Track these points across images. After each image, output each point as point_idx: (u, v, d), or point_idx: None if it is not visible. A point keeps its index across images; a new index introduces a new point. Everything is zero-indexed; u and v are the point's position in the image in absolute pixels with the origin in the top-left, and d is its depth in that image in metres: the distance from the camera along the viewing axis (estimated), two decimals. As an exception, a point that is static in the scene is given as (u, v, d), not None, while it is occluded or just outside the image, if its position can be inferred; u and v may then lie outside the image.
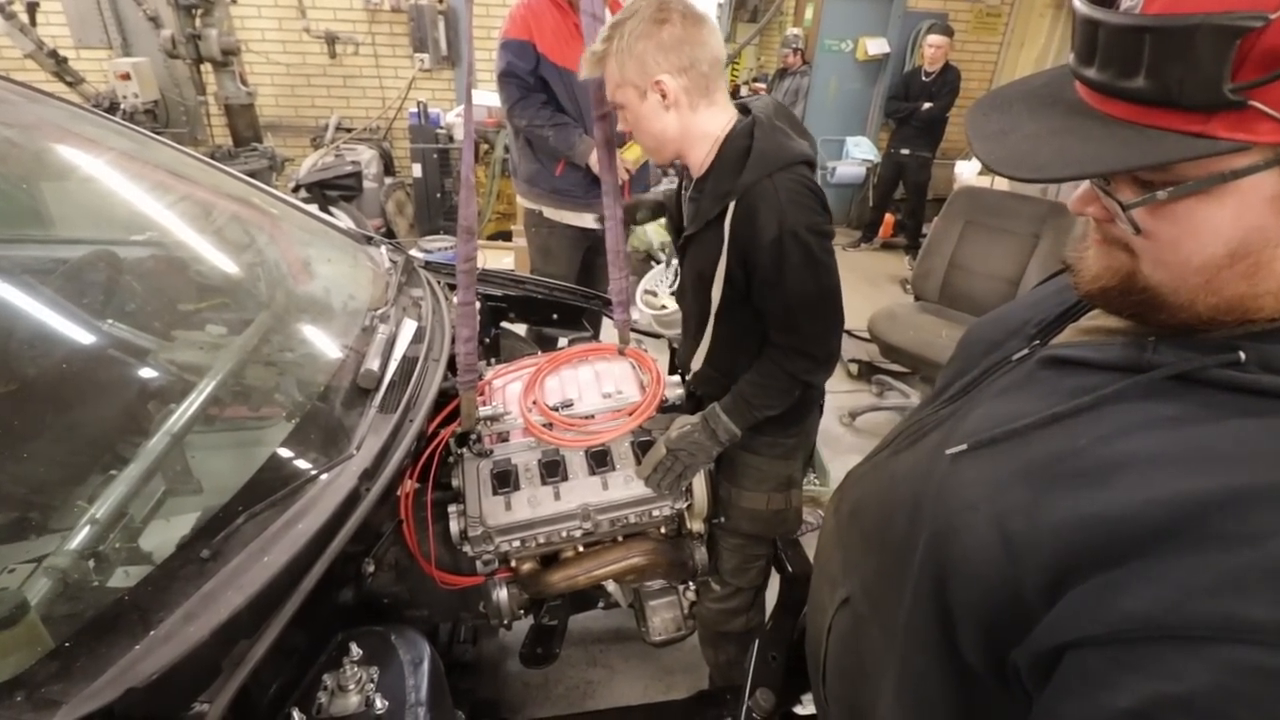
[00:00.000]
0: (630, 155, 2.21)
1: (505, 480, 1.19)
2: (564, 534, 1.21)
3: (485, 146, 4.53)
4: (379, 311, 1.35)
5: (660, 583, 1.39)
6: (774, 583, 1.51)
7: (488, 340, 1.89)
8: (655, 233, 3.33)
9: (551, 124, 2.17)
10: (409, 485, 1.20)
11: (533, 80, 2.17)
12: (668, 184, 2.28)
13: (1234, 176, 0.39)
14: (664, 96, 1.10)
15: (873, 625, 0.66)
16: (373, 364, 1.15)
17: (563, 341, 2.69)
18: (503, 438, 1.32)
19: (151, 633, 0.69)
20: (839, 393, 3.30)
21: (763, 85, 7.42)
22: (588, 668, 1.84)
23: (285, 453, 0.98)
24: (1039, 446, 0.49)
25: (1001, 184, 2.88)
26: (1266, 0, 0.34)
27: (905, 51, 5.72)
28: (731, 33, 7.18)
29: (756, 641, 1.03)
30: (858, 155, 5.86)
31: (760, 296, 1.14)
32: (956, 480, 0.54)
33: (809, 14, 5.78)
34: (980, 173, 4.63)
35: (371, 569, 1.10)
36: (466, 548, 1.16)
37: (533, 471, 1.23)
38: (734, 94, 8.28)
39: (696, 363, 1.31)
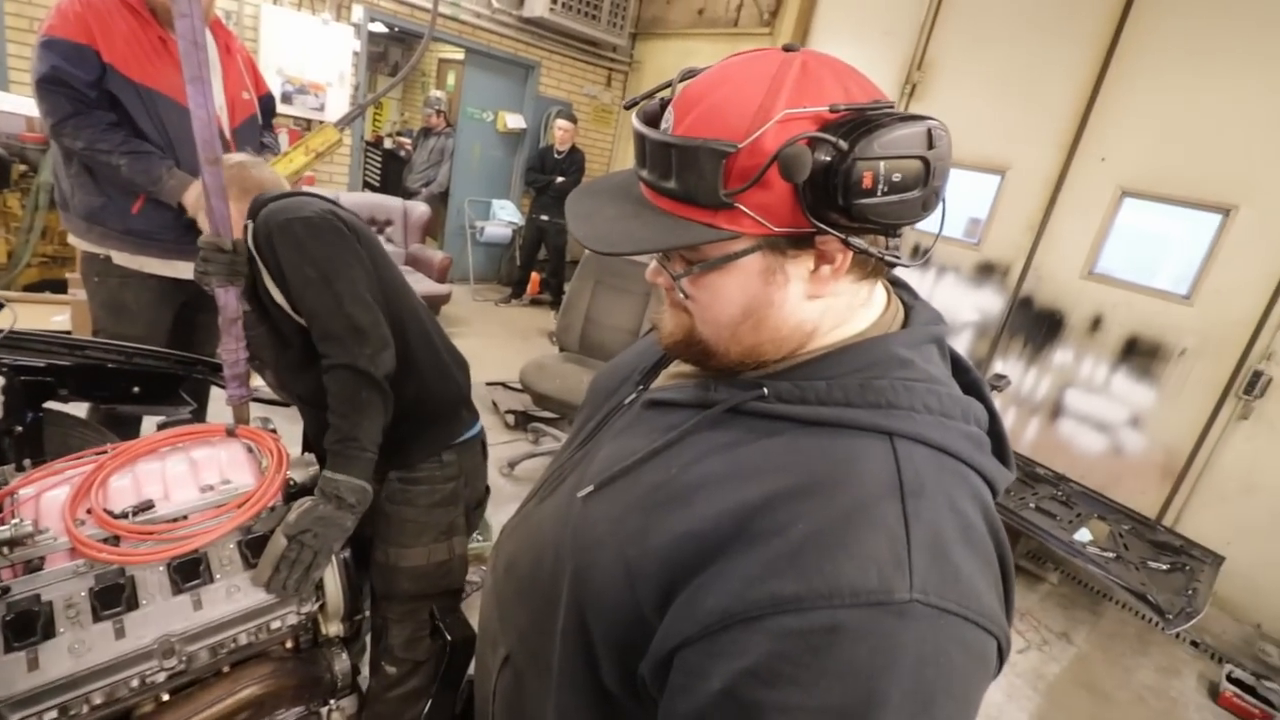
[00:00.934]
0: (284, 167, 1.91)
1: (26, 628, 0.86)
2: (135, 683, 0.93)
3: (23, 168, 3.44)
4: None
5: (295, 711, 1.16)
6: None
7: (18, 430, 1.40)
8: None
9: (124, 150, 1.75)
10: None
11: (92, 94, 1.73)
12: None
13: (736, 257, 0.52)
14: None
15: (531, 677, 0.66)
16: None
17: (151, 426, 2.17)
18: (32, 567, 0.97)
19: None
20: (497, 444, 3.35)
21: (407, 140, 7.33)
22: None
23: None
24: (646, 478, 0.57)
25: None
26: (738, 132, 0.49)
27: (539, 129, 6.30)
28: (371, 83, 6.96)
29: None
30: (503, 217, 6.18)
31: (297, 306, 1.21)
32: (587, 519, 0.60)
33: (450, 80, 5.94)
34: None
35: None
36: (-41, 738, 0.81)
37: (79, 607, 0.92)
38: (376, 144, 8.04)
39: (307, 423, 1.21)
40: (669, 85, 0.58)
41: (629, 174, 0.60)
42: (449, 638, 1.09)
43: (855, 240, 0.49)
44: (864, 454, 0.50)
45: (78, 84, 1.70)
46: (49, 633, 0.88)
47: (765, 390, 0.56)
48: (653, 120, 0.57)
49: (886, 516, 0.46)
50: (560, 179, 5.69)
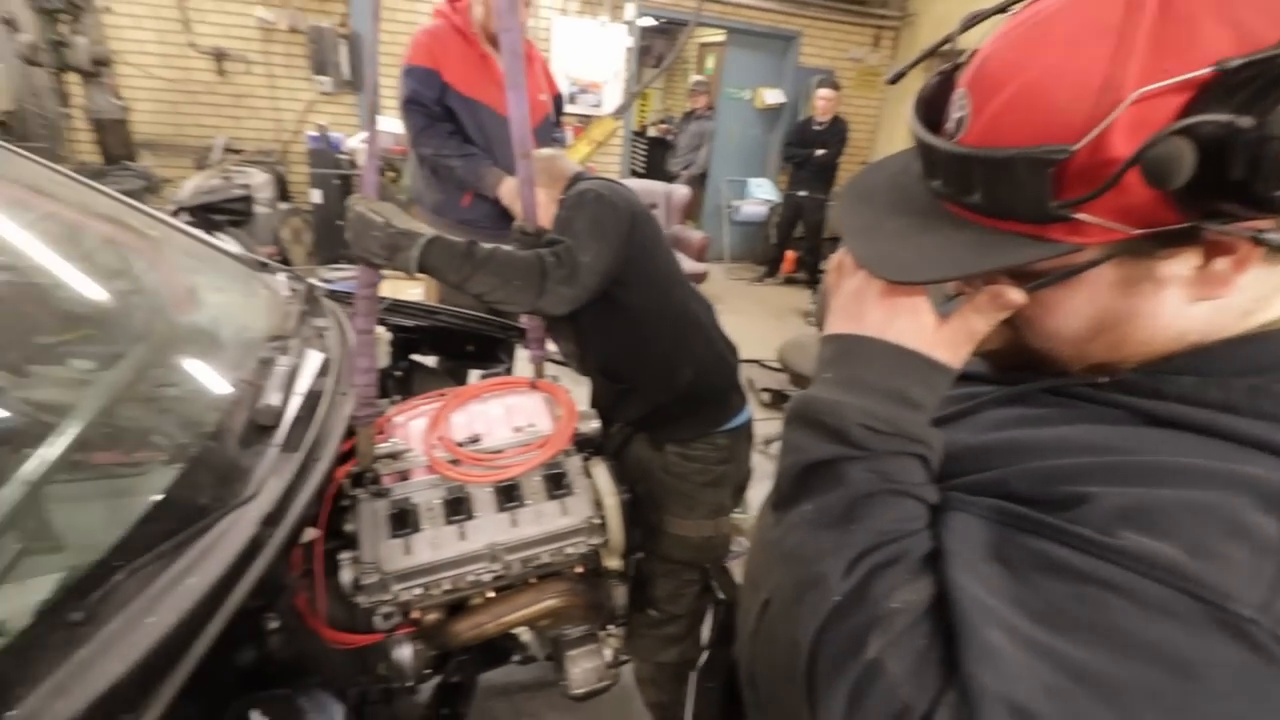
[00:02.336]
0: (572, 157, 2.23)
1: (404, 520, 1.14)
2: (471, 578, 1.17)
3: (392, 174, 4.42)
4: (278, 342, 1.28)
5: (580, 630, 1.36)
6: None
7: (399, 374, 1.82)
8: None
9: (459, 155, 2.16)
10: (314, 533, 1.12)
11: (438, 109, 2.16)
12: None
13: (1078, 271, 0.42)
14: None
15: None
16: (272, 398, 1.09)
17: (474, 376, 2.65)
18: (403, 476, 1.27)
19: (9, 713, 0.60)
20: (755, 420, 3.42)
21: (669, 126, 7.74)
22: (514, 718, 1.77)
23: (172, 499, 0.90)
24: None
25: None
26: (1071, 126, 0.37)
27: (798, 102, 6.14)
28: (638, 74, 7.45)
29: (693, 676, 1.03)
30: (759, 195, 6.19)
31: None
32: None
33: (709, 63, 6.10)
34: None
35: (276, 625, 0.99)
36: (361, 598, 1.10)
37: (435, 510, 1.19)
38: (641, 133, 8.54)
39: (595, 389, 1.36)
40: (947, 42, 0.47)
41: (906, 162, 0.50)
42: (721, 597, 1.16)
43: (1269, 235, 0.34)
44: (1239, 458, 0.38)
45: (428, 101, 2.13)
46: (416, 527, 1.15)
47: (1105, 379, 0.46)
48: (936, 105, 0.46)
49: (1258, 525, 0.35)
50: (820, 151, 5.49)
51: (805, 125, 5.66)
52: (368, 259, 1.13)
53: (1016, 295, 0.44)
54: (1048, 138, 0.37)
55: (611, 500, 1.26)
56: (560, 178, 1.44)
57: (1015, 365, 0.53)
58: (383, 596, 1.11)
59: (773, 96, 6.07)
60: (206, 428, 1.03)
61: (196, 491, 0.92)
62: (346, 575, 1.10)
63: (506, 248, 1.20)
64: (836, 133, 5.50)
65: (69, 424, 0.91)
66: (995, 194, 0.40)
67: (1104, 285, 0.43)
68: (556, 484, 1.25)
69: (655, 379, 1.40)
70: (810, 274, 5.92)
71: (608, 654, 1.38)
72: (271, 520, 0.90)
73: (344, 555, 1.11)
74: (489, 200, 2.23)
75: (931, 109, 0.47)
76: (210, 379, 1.20)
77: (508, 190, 2.16)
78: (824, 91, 5.40)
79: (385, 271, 1.19)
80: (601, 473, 1.30)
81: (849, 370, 0.48)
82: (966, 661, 0.37)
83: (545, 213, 1.45)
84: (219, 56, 4.46)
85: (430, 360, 2.08)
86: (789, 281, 6.10)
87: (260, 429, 1.07)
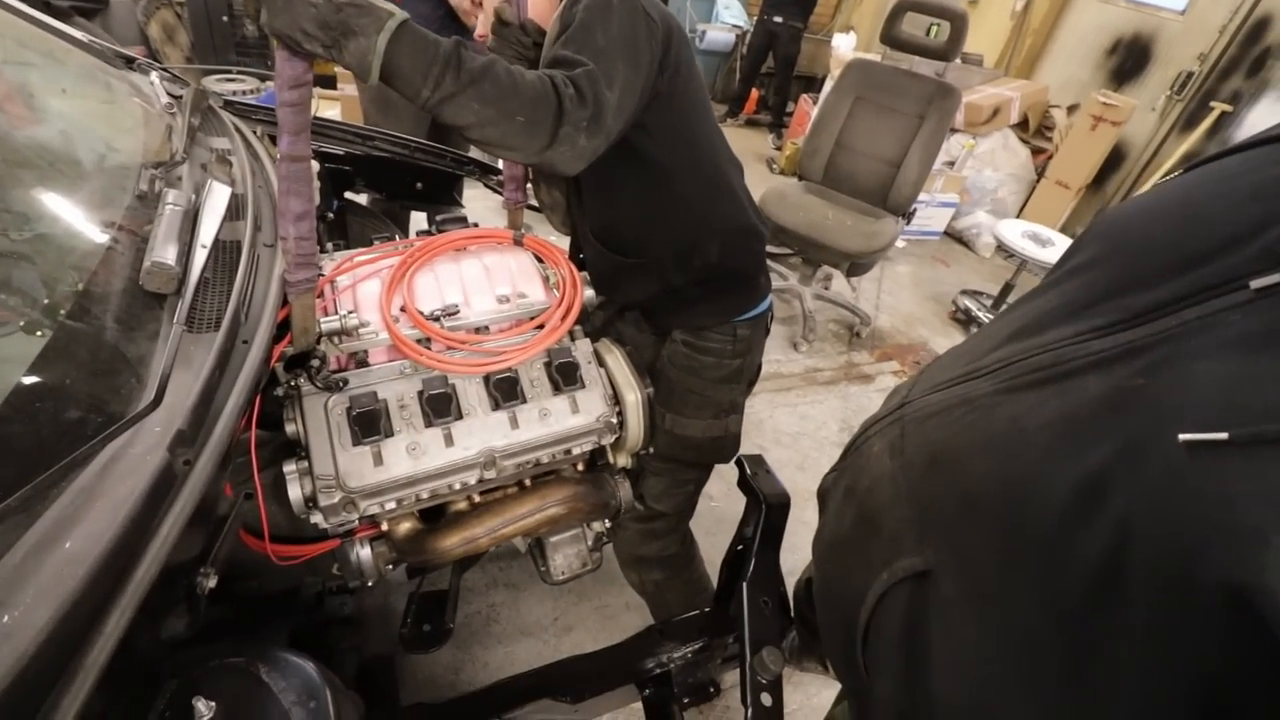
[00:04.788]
0: None
1: (371, 425, 0.86)
2: (456, 485, 0.93)
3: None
4: (162, 170, 0.89)
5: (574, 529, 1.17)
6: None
7: (330, 216, 1.44)
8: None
9: None
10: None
11: None
12: None
13: None
14: None
15: (962, 604, 0.51)
16: (165, 253, 0.74)
17: (418, 220, 2.23)
18: (359, 360, 0.96)
19: None
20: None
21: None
22: (488, 590, 1.64)
23: (17, 416, 0.58)
24: None
25: (893, 58, 2.75)
26: None
27: (781, -96, 5.24)
28: None
29: (744, 586, 0.87)
30: (727, 19, 5.46)
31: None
32: (1206, 484, 0.36)
33: None
34: (856, 47, 4.51)
35: (212, 583, 0.70)
36: (317, 518, 0.84)
37: (411, 409, 0.90)
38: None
39: (592, 258, 1.06)
40: None
41: None
42: (764, 498, 0.97)
43: None
44: None
45: None
46: (388, 432, 0.87)
47: None
48: None
49: None
50: (802, -32, 4.79)
51: (788, -66, 4.87)
52: (295, 42, 0.69)
53: None
54: None
55: (633, 396, 1.01)
56: None
57: None
58: (345, 516, 0.86)
59: (752, -107, 5.15)
60: (63, 299, 0.68)
61: (58, 402, 0.61)
62: (295, 492, 0.83)
63: (505, 63, 0.80)
64: (823, -54, 4.77)
65: None
66: None
67: None
68: (566, 376, 0.98)
69: (672, 254, 1.09)
70: (775, 116, 5.42)
71: (589, 538, 1.22)
72: (186, 440, 0.60)
73: (290, 466, 0.84)
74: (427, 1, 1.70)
75: None
76: (69, 221, 0.81)
77: None
78: (814, -109, 4.59)
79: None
80: (618, 360, 1.04)
81: None
82: None
83: (540, 4, 1.04)
84: None
85: (361, 198, 1.67)
86: (749, 123, 5.61)
87: (150, 298, 0.74)
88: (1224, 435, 0.35)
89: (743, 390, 1.19)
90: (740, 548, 1.03)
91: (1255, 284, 0.39)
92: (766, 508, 0.96)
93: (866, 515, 0.66)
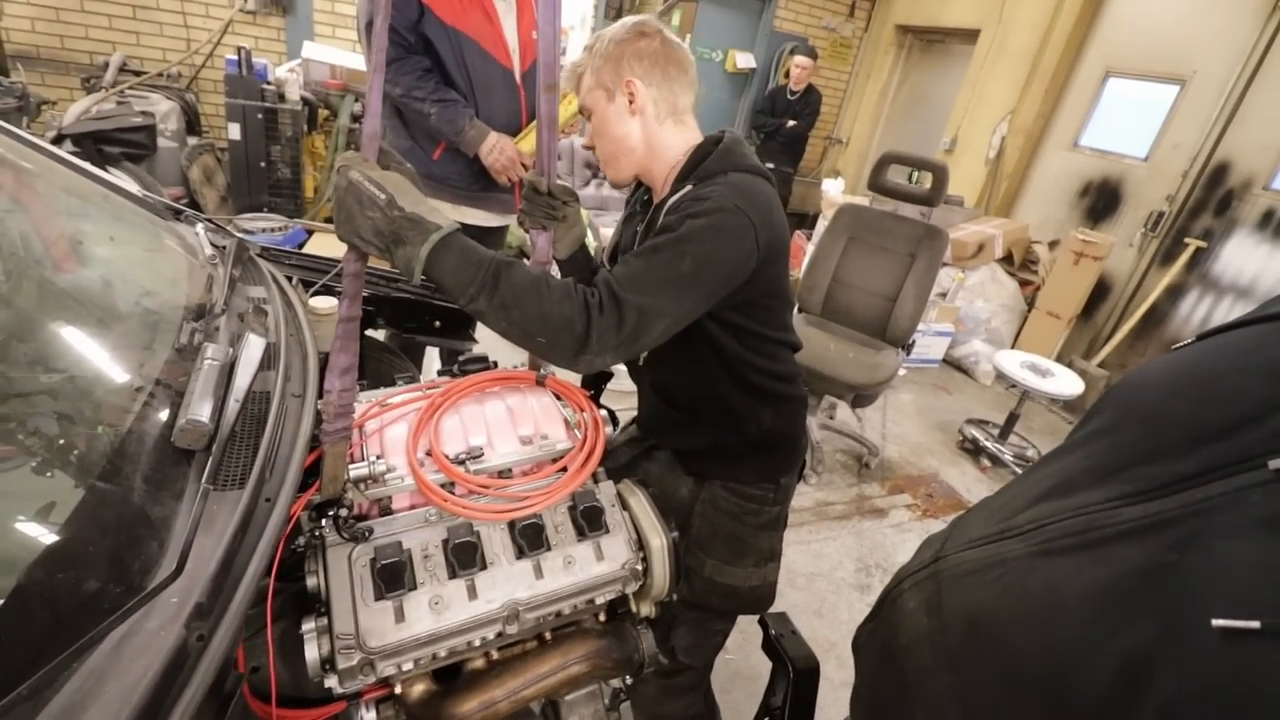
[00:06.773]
0: (526, 146, 1.89)
1: (396, 578, 0.83)
2: (475, 641, 0.88)
3: (326, 113, 3.87)
4: (202, 322, 0.93)
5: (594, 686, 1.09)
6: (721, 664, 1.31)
7: (349, 357, 1.48)
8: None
9: (435, 98, 1.77)
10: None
11: (412, 39, 1.76)
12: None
13: None
14: (631, 100, 1.07)
15: None
16: (200, 410, 0.75)
17: (432, 356, 2.29)
18: (384, 508, 0.95)
19: None
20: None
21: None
22: None
23: (32, 590, 0.56)
24: None
25: (880, 204, 2.95)
26: None
27: (770, 69, 5.87)
28: (599, 28, 6.99)
29: None
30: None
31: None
32: (1242, 674, 0.36)
33: (675, 20, 5.71)
34: (844, 191, 4.85)
35: None
36: (332, 681, 0.79)
37: (435, 559, 0.88)
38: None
39: (644, 402, 1.08)
40: None
41: None
42: (791, 664, 0.92)
43: None
44: None
45: (401, 27, 1.72)
46: (411, 585, 0.85)
47: None
48: None
49: None
50: (792, 123, 5.27)
51: (778, 93, 5.41)
52: (357, 245, 0.82)
53: None
54: None
55: (658, 541, 0.99)
56: (683, 116, 1.15)
57: None
58: (362, 679, 0.81)
59: (744, 60, 5.77)
60: (95, 459, 0.69)
61: (79, 571, 0.59)
62: (312, 653, 0.79)
63: (545, 284, 0.87)
64: (810, 103, 5.27)
65: None
66: None
67: None
68: (591, 521, 0.96)
69: (727, 420, 1.13)
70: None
71: (606, 694, 1.12)
72: (203, 613, 0.59)
73: (309, 625, 0.80)
74: (464, 156, 1.87)
75: None
76: (104, 373, 0.84)
77: (488, 148, 1.82)
78: (801, 59, 5.15)
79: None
80: (641, 504, 1.03)
81: None
82: None
83: (621, 169, 1.14)
84: (113, -44, 3.75)
85: (379, 334, 1.73)
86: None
87: (179, 454, 0.74)
88: (1256, 624, 0.36)
89: (780, 537, 1.17)
90: (768, 720, 0.97)
91: (1274, 464, 0.40)
92: (795, 675, 0.91)
93: (907, 679, 0.64)
